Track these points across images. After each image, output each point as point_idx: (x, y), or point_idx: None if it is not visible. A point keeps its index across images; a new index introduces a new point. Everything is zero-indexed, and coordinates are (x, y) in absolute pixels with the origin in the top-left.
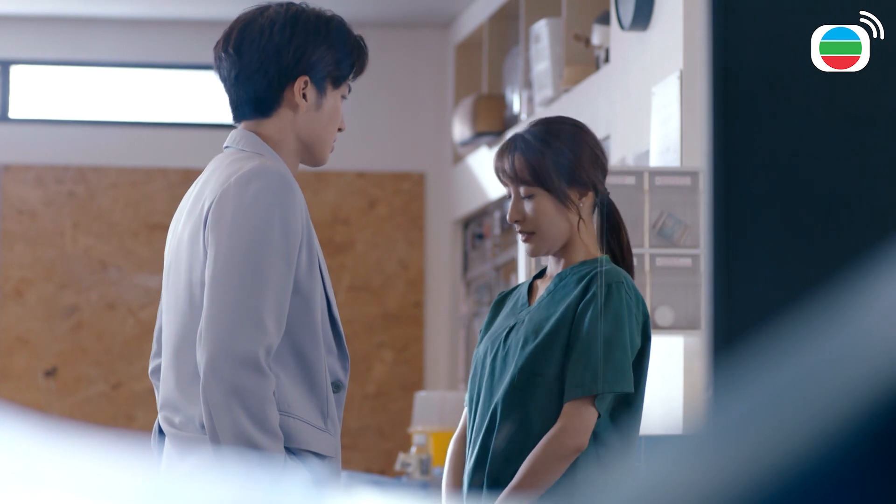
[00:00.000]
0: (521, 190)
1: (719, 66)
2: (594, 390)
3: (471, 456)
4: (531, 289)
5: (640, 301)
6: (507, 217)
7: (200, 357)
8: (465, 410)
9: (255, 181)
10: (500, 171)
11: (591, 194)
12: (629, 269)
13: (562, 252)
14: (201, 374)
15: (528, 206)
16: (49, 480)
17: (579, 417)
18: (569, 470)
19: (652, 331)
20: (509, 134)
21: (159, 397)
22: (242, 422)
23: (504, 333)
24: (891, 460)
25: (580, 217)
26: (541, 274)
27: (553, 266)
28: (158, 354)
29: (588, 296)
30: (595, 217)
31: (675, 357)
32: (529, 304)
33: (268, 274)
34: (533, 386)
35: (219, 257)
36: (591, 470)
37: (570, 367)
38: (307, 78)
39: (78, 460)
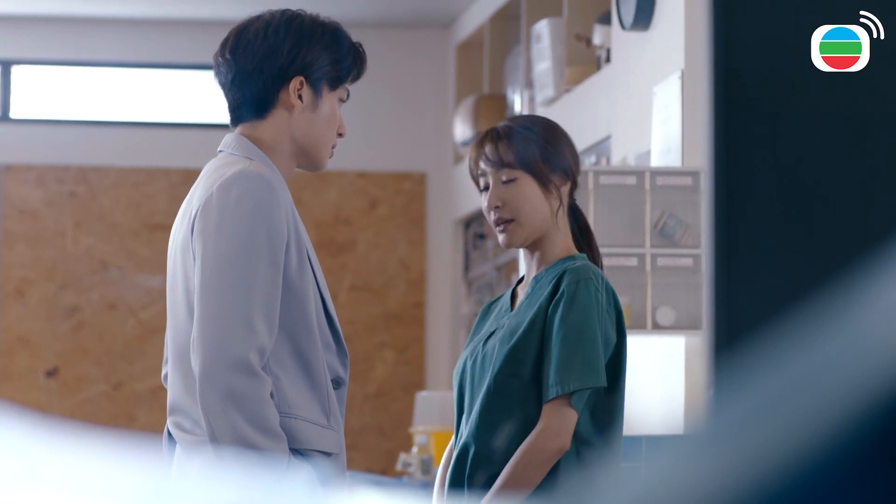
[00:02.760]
0: (503, 174)
1: (720, 66)
2: (566, 388)
3: (453, 459)
4: (513, 295)
5: (613, 297)
6: (486, 204)
7: (194, 365)
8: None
9: (236, 186)
10: (479, 160)
11: (569, 184)
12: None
13: (537, 251)
14: (196, 382)
15: (508, 191)
16: (50, 481)
17: (558, 418)
18: (550, 469)
19: (653, 330)
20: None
21: (168, 403)
22: (240, 426)
23: (484, 339)
24: (892, 460)
25: (561, 203)
26: (521, 281)
27: (529, 269)
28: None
29: (557, 295)
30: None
31: (676, 357)
32: (511, 311)
33: (254, 277)
34: (510, 389)
35: (206, 265)
36: (573, 469)
37: (544, 369)
38: (302, 78)
39: (79, 460)
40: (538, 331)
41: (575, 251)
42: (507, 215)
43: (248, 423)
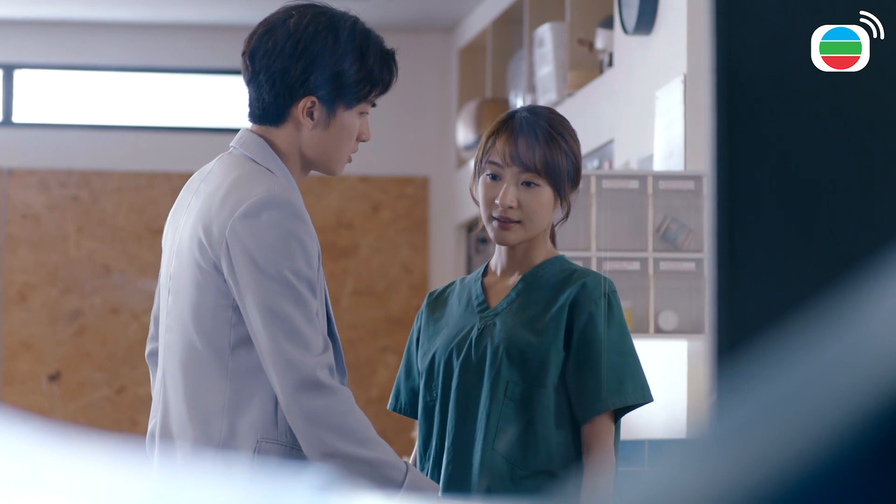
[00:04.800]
0: (526, 177)
1: (723, 69)
2: (618, 404)
3: (447, 462)
4: (483, 287)
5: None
6: (499, 199)
7: (278, 398)
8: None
9: (265, 212)
10: (508, 153)
11: (575, 192)
12: None
13: (524, 250)
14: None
15: (527, 195)
16: (52, 485)
17: (608, 434)
18: (554, 479)
19: (656, 335)
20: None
21: (158, 415)
22: (330, 441)
23: (473, 337)
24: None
25: (566, 216)
26: (486, 271)
27: (507, 262)
28: (156, 338)
29: (582, 305)
30: None
31: (678, 361)
32: (489, 304)
33: (302, 301)
34: (534, 396)
35: (254, 303)
36: (576, 476)
37: (586, 382)
38: (314, 98)
39: (82, 465)
40: (559, 338)
41: (556, 251)
42: (516, 217)
43: (337, 436)
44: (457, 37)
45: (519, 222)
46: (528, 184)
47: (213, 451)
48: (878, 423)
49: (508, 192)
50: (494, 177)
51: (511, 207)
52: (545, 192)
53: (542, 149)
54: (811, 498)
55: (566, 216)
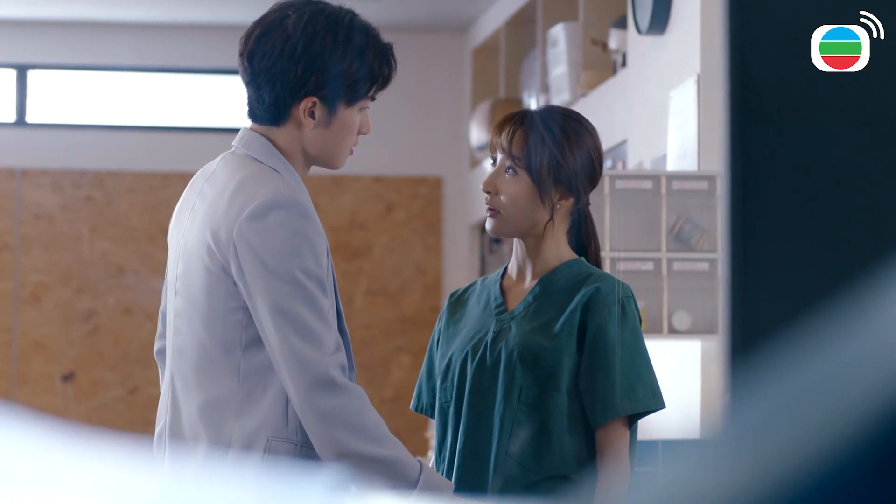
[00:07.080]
0: (508, 162)
1: (736, 69)
2: (628, 410)
3: (460, 464)
4: (501, 289)
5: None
6: (482, 184)
7: (291, 398)
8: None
9: (271, 213)
10: (496, 142)
11: (571, 200)
12: None
13: (533, 252)
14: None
15: (505, 182)
16: (66, 485)
17: (621, 439)
18: (567, 481)
19: (669, 335)
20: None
21: (167, 416)
22: (344, 440)
23: (488, 340)
24: None
25: (551, 218)
26: (504, 272)
27: (524, 266)
28: (164, 336)
29: (596, 309)
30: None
31: (692, 361)
32: (506, 307)
33: (312, 301)
34: (548, 401)
35: (264, 304)
36: (592, 478)
37: (597, 387)
38: (315, 99)
39: (95, 465)
40: (573, 342)
41: (573, 255)
42: (495, 205)
43: (352, 435)
44: (470, 37)
45: (498, 211)
46: (510, 171)
47: (224, 450)
48: (891, 423)
49: (490, 178)
50: (494, 162)
51: (489, 193)
52: (521, 182)
53: (526, 138)
54: (825, 498)
55: (551, 217)
